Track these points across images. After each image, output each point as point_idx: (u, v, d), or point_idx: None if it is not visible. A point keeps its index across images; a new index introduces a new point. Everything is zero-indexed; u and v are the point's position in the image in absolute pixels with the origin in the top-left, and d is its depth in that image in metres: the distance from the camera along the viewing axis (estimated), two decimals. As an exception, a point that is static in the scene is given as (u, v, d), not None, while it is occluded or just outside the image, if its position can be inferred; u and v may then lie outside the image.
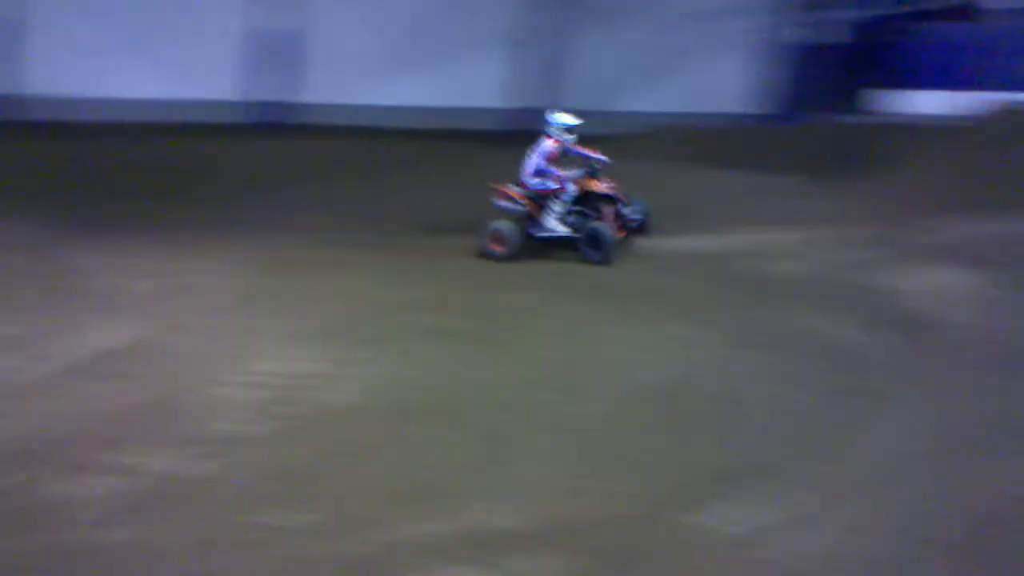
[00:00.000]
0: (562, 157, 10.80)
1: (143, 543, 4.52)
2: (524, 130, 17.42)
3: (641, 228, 10.96)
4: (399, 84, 17.82)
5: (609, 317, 8.20)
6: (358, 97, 17.60)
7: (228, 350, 7.08)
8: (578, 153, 10.84)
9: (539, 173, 10.62)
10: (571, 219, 10.58)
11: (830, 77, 18.32)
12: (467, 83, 17.90)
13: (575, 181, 10.63)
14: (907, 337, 7.27)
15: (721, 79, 18.01)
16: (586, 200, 10.61)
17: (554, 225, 10.60)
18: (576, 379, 6.67)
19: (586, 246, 10.20)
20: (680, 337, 7.59)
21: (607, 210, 10.58)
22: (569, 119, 10.69)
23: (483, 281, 9.34)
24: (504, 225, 10.47)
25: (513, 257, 10.30)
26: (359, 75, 17.67)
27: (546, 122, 10.75)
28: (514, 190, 10.79)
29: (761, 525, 4.69)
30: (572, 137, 10.71)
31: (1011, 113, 11.81)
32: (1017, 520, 4.37)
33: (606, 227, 10.24)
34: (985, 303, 7.86)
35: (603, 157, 10.77)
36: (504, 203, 10.81)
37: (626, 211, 10.74)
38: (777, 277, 9.29)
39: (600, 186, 10.60)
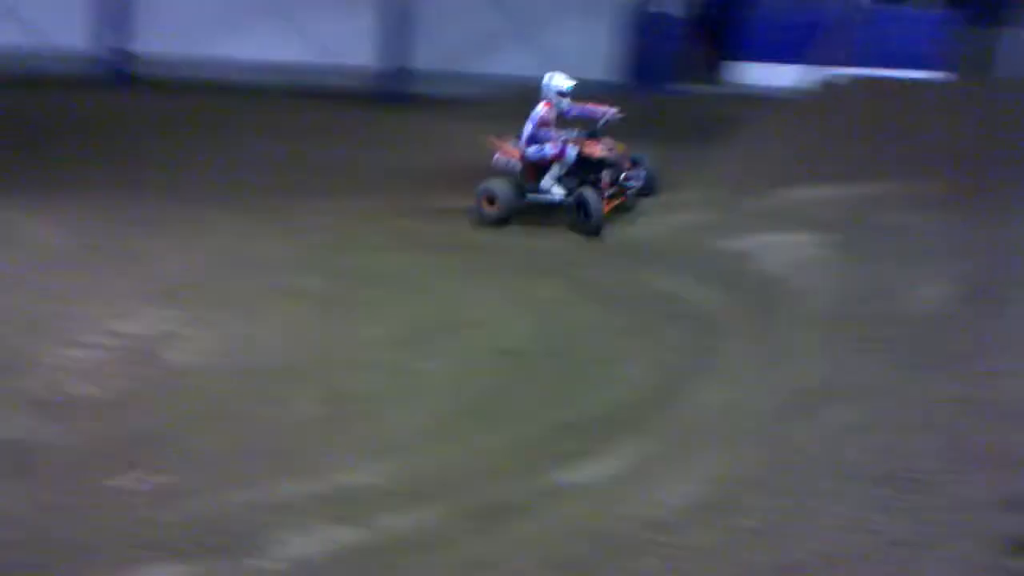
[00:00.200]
0: (561, 120, 10.22)
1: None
2: (391, 92, 17.22)
3: (646, 191, 10.54)
4: (255, 38, 17.25)
5: (471, 277, 8.25)
6: (212, 50, 16.96)
7: (75, 309, 6.79)
8: (580, 115, 10.32)
9: (533, 140, 10.08)
10: (566, 182, 10.06)
11: (687, 49, 18.84)
12: (329, 40, 17.50)
13: (574, 142, 10.11)
14: (746, 294, 7.59)
15: (580, 46, 18.21)
16: (585, 163, 10.07)
17: (550, 186, 10.13)
18: (434, 338, 6.71)
19: (575, 213, 9.68)
20: (541, 297, 7.72)
21: (604, 175, 10.05)
22: (563, 81, 10.11)
23: (345, 243, 9.23)
24: (497, 184, 9.90)
25: (505, 220, 9.82)
26: (211, 27, 17.02)
27: (541, 86, 10.12)
28: (512, 147, 10.23)
29: (614, 475, 4.87)
30: (566, 101, 10.14)
31: (853, 86, 12.44)
32: (839, 463, 4.63)
33: (594, 194, 9.65)
34: (818, 263, 8.28)
35: (611, 110, 10.28)
36: (501, 160, 10.26)
37: (629, 174, 10.29)
38: (627, 239, 9.54)
39: (597, 150, 10.07)
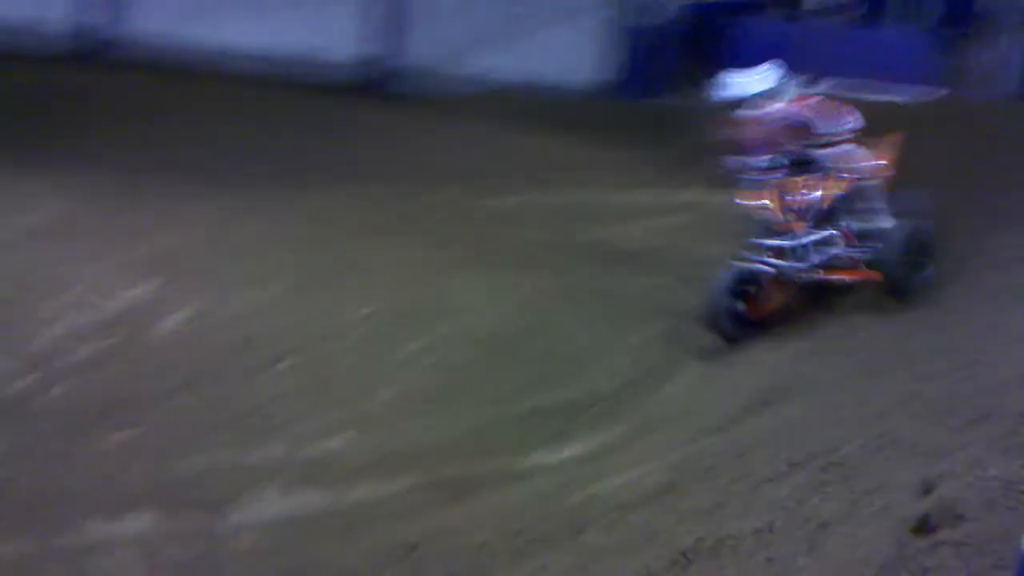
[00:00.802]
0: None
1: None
2: (374, 86, 17.23)
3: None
4: (235, 24, 17.23)
5: (450, 266, 8.45)
6: (193, 33, 16.95)
7: (68, 277, 7.00)
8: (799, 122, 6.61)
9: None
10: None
11: (667, 60, 19.15)
12: (312, 31, 17.55)
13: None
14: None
15: (564, 50, 18.43)
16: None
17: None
18: (414, 322, 6.94)
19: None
20: (514, 287, 7.95)
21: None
22: (759, 81, 6.61)
23: (327, 229, 9.39)
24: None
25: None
26: (195, 10, 17.03)
27: (725, 95, 6.66)
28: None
29: (579, 456, 5.15)
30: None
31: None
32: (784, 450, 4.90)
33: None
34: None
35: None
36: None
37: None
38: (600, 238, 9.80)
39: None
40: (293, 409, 5.40)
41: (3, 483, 4.45)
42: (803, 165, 6.61)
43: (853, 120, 6.73)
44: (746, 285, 6.46)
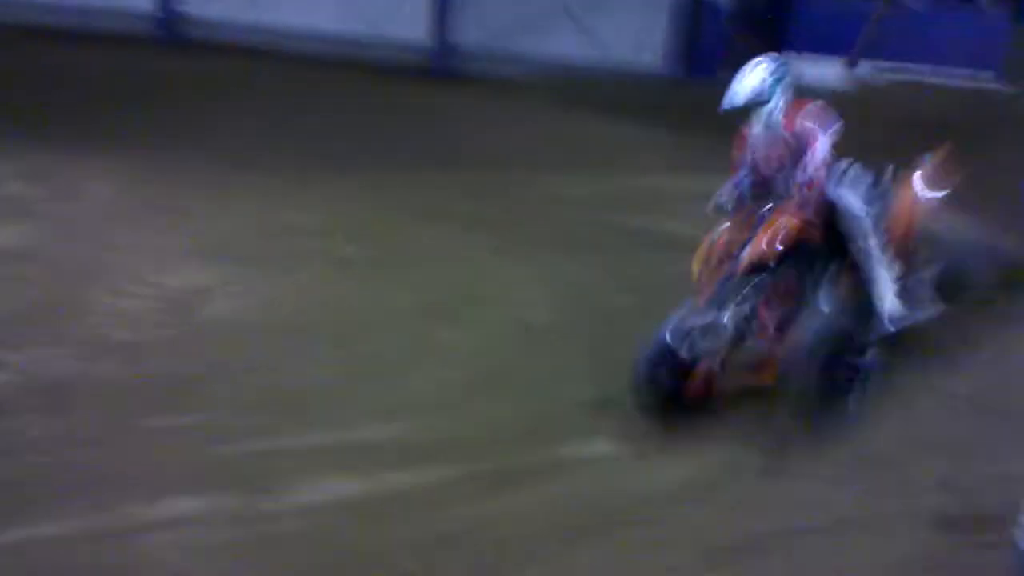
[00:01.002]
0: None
1: (30, 435, 4.73)
2: (437, 69, 17.22)
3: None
4: (308, 5, 17.43)
5: (503, 254, 8.46)
6: (258, 16, 17.15)
7: (123, 260, 7.18)
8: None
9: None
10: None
11: (736, 40, 18.78)
12: (375, 11, 17.64)
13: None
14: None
15: (629, 30, 18.22)
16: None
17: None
18: (460, 310, 6.97)
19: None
20: (565, 273, 7.94)
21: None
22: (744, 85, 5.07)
23: (383, 214, 9.45)
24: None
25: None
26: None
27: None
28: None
29: (618, 450, 5.13)
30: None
31: (892, 88, 12.45)
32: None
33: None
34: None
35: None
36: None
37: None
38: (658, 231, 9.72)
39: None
40: (340, 395, 5.47)
41: (49, 465, 4.58)
42: (763, 197, 5.07)
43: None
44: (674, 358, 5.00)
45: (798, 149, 5.03)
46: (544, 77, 15.45)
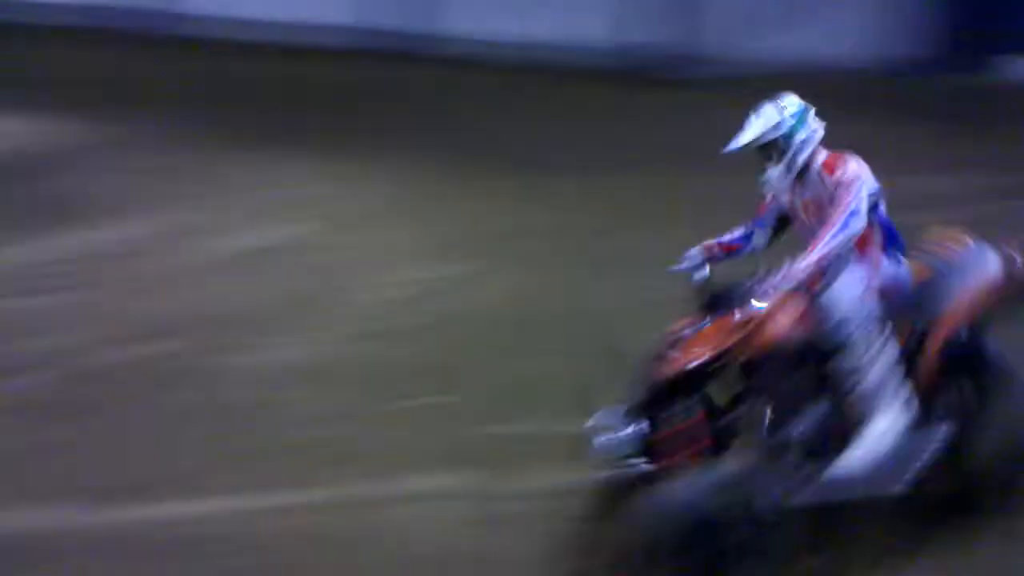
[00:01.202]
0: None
1: (292, 411, 5.24)
2: (637, 71, 16.78)
3: None
4: (506, 15, 17.45)
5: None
6: (485, 27, 17.35)
7: (372, 254, 7.85)
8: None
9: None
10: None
11: (971, 33, 17.41)
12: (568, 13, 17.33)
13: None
14: None
15: (852, 25, 17.19)
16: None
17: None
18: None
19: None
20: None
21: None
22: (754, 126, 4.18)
23: (621, 219, 9.45)
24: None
25: None
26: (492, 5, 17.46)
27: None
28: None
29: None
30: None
31: None
32: None
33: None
34: None
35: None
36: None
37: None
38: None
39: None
40: (587, 388, 5.59)
41: (308, 439, 5.03)
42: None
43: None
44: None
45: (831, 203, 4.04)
46: (768, 77, 14.96)
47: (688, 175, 10.82)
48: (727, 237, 4.43)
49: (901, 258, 4.21)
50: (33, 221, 8.58)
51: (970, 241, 4.34)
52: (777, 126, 4.09)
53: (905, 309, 4.12)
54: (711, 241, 4.41)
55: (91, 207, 8.95)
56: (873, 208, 4.07)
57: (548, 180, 10.75)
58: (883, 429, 3.88)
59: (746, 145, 4.11)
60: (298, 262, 7.69)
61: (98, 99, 12.49)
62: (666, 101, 14.55)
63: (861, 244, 4.05)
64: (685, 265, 4.36)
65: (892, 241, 4.20)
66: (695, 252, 4.38)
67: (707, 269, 4.33)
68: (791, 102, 4.20)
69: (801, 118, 4.15)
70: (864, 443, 3.86)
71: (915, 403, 3.99)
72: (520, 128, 12.91)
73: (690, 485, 3.66)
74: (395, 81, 15.08)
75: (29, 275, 7.48)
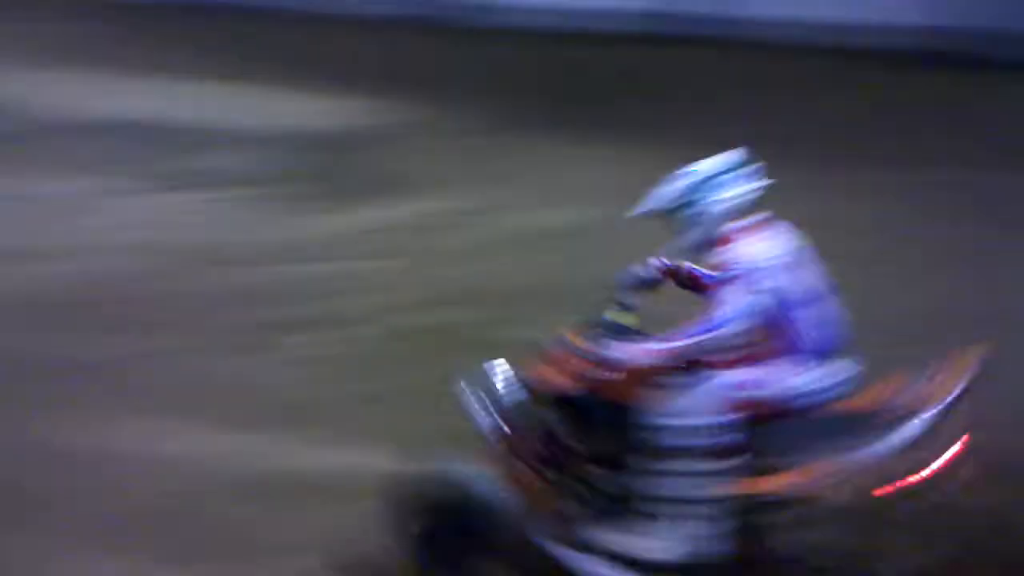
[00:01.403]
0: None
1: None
2: (946, 53, 15.42)
3: None
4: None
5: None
6: (770, 10, 16.65)
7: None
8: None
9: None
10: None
11: None
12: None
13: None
14: None
15: None
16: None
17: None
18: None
19: None
20: None
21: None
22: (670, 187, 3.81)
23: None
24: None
25: None
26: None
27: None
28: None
29: None
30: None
31: None
32: None
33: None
34: None
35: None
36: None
37: None
38: None
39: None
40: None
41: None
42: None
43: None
44: None
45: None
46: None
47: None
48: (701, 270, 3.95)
49: (822, 367, 3.50)
50: (360, 192, 9.50)
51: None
52: (692, 189, 3.68)
53: (785, 439, 3.44)
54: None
55: (409, 182, 9.71)
56: (783, 303, 3.46)
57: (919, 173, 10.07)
58: (649, 547, 3.50)
59: (654, 212, 3.81)
60: (595, 243, 7.88)
61: (416, 85, 13.35)
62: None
63: (748, 344, 3.48)
64: (641, 271, 4.07)
65: (804, 344, 3.50)
66: (657, 263, 4.07)
67: (653, 283, 4.08)
68: (730, 162, 3.74)
69: (729, 175, 3.69)
70: (629, 539, 3.55)
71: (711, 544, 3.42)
72: (853, 115, 12.29)
73: (468, 469, 3.77)
74: (699, 67, 14.84)
75: (357, 240, 8.38)
